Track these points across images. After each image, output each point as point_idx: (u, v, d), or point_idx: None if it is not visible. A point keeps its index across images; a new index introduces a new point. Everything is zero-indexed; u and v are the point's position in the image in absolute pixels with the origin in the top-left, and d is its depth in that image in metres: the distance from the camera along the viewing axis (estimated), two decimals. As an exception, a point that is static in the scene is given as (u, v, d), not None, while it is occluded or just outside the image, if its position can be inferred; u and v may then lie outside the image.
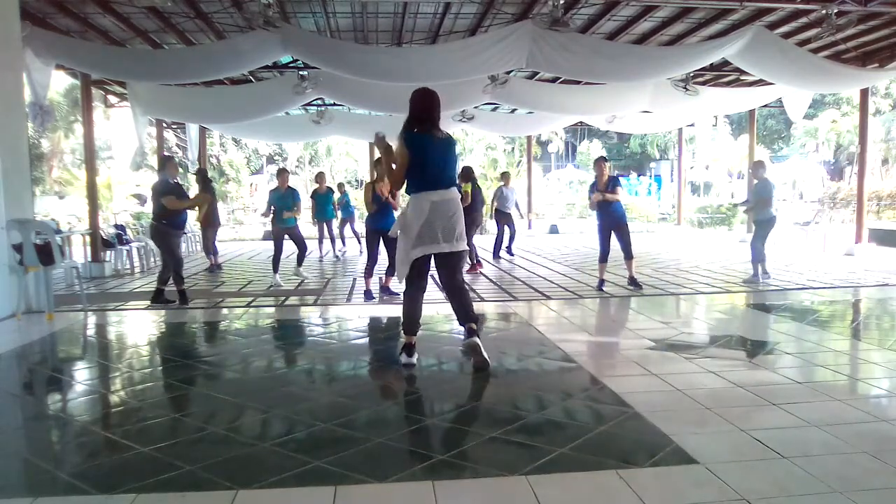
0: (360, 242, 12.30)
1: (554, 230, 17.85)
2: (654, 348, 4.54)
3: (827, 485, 2.35)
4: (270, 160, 33.31)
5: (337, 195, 11.95)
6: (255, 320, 6.13)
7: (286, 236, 8.29)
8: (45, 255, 6.09)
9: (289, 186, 8.41)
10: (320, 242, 11.61)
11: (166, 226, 6.60)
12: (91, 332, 5.71)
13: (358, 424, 3.08)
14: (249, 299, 7.05)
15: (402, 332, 4.20)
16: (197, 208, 8.30)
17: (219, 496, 2.34)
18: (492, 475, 2.52)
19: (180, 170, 6.91)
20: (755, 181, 7.97)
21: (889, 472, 2.47)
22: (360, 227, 12.32)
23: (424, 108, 4.03)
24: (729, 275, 8.53)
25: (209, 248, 9.91)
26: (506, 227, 10.78)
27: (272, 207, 8.19)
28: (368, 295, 6.81)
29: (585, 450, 2.72)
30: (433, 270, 4.14)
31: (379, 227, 6.57)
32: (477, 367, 3.98)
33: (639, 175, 36.63)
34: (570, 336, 4.99)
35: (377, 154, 6.23)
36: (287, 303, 6.87)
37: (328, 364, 4.44)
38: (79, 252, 10.57)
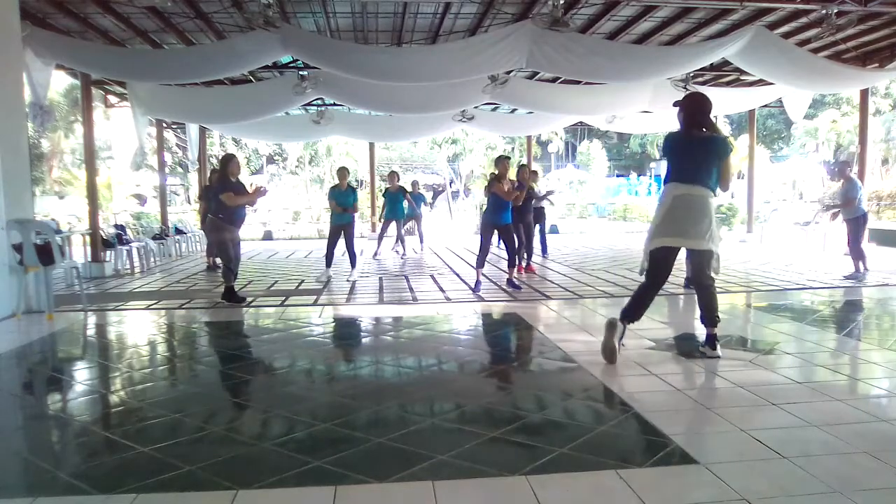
0: (421, 241, 12.64)
1: (554, 230, 17.83)
2: (654, 348, 4.54)
3: (827, 485, 2.35)
4: (270, 160, 33.34)
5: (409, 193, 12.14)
6: (255, 320, 6.13)
7: (342, 233, 8.77)
8: (45, 255, 6.09)
9: (348, 185, 8.90)
10: (380, 240, 11.64)
11: (222, 220, 6.67)
12: (91, 332, 5.70)
13: (358, 424, 3.08)
14: (250, 299, 7.05)
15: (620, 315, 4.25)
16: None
17: (219, 496, 2.34)
18: (492, 475, 2.52)
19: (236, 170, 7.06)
20: (842, 181, 8.17)
21: (889, 472, 2.47)
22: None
23: (689, 112, 4.18)
24: (729, 275, 8.53)
25: (212, 250, 9.93)
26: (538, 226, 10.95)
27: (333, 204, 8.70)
28: (477, 286, 7.20)
29: (585, 450, 2.72)
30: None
31: (494, 221, 7.31)
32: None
33: (639, 175, 36.67)
34: (570, 336, 4.99)
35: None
36: (287, 303, 6.87)
37: (328, 364, 4.44)
38: (79, 252, 10.57)
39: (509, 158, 7.69)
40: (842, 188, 8.13)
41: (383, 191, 11.70)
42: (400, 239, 11.67)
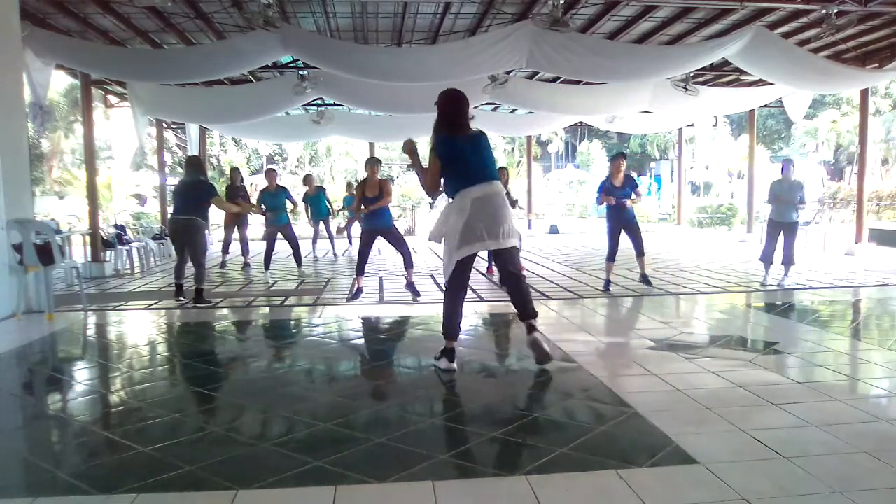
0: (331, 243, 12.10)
1: (554, 230, 17.86)
2: (654, 348, 4.54)
3: (827, 485, 2.35)
4: (270, 160, 33.30)
5: (340, 196, 12.03)
6: (254, 320, 6.13)
7: (279, 234, 8.75)
8: (45, 255, 6.08)
9: (278, 185, 8.93)
10: (314, 242, 11.66)
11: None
12: (91, 332, 5.70)
13: (358, 424, 3.07)
14: (249, 299, 7.05)
15: (443, 335, 4.06)
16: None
17: (219, 496, 2.34)
18: (492, 475, 2.52)
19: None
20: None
21: (889, 472, 2.47)
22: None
23: (452, 111, 4.11)
24: (729, 275, 8.53)
25: (242, 247, 10.16)
26: None
27: (263, 207, 8.62)
28: (358, 293, 6.74)
29: (585, 450, 2.72)
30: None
31: (373, 226, 6.63)
32: (539, 361, 3.96)
33: (639, 175, 36.62)
34: (570, 336, 4.99)
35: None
36: (286, 303, 6.87)
37: (328, 364, 4.44)
38: (79, 252, 10.57)
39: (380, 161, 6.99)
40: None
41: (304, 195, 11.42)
42: (329, 238, 11.50)
